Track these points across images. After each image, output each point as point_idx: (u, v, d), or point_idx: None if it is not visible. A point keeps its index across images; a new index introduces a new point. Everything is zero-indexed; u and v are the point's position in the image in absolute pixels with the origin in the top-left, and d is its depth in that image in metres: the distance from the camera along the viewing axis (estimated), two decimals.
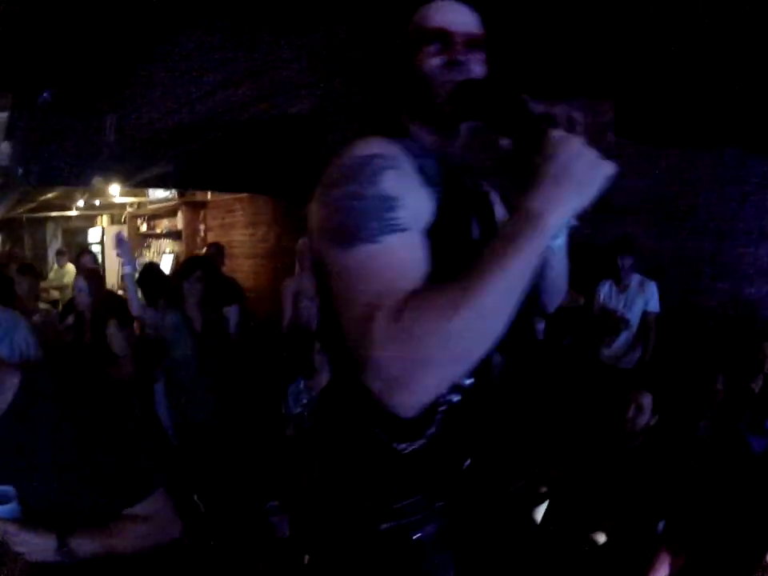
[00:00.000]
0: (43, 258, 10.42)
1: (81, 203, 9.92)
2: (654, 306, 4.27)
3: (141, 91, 11.27)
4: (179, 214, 9.70)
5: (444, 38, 1.13)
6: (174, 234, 10.07)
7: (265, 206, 8.06)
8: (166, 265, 9.30)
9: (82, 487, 1.40)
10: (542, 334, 4.02)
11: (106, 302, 3.85)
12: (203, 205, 9.58)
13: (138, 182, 6.96)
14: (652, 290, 4.29)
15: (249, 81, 8.01)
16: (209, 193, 9.13)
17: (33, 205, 9.13)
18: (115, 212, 11.08)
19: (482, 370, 1.13)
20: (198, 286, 3.64)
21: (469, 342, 0.87)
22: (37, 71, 9.00)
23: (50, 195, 8.39)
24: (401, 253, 0.95)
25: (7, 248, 9.64)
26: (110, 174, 5.76)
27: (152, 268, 5.38)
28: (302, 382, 3.68)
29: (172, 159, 5.98)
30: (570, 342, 4.04)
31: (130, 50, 9.65)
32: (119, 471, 1.44)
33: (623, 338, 4.26)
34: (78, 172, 5.46)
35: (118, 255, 3.73)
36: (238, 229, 8.76)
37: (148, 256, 10.61)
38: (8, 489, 1.34)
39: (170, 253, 9.94)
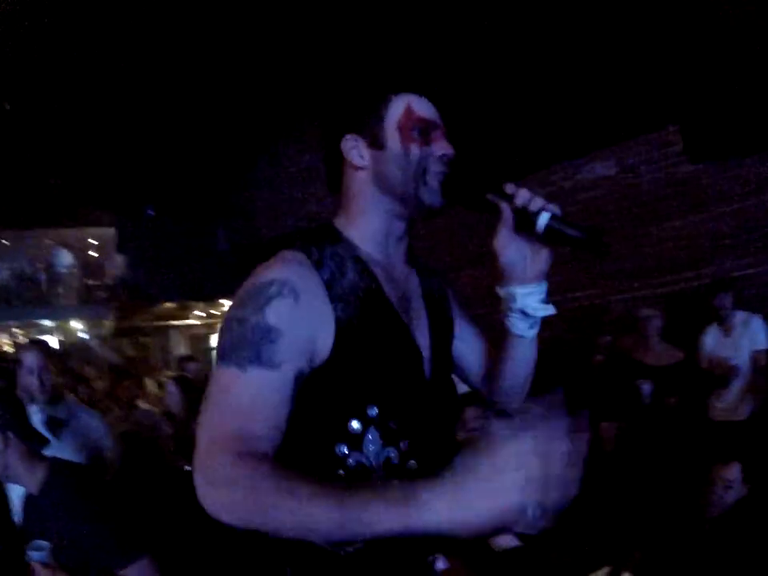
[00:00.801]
0: (168, 363, 11.16)
1: (198, 312, 10.69)
2: (762, 342, 3.91)
3: (247, 201, 12.25)
4: None
5: (434, 128, 1.19)
6: None
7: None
8: None
9: (87, 550, 1.92)
10: (648, 398, 3.87)
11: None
12: None
13: None
14: (758, 325, 3.96)
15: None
16: None
17: (156, 314, 9.94)
18: None
19: (422, 477, 1.09)
20: None
21: (276, 531, 0.90)
22: (139, 188, 9.91)
23: (170, 305, 9.14)
24: (262, 389, 0.98)
25: (134, 354, 10.45)
26: (222, 285, 6.14)
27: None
28: None
29: None
30: (676, 401, 3.83)
31: (236, 161, 10.53)
32: (113, 542, 1.95)
33: (735, 386, 3.90)
34: (194, 286, 5.83)
35: None
36: None
37: None
38: (44, 543, 1.87)
39: None
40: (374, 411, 1.09)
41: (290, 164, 10.36)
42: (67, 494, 2.04)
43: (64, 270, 10.24)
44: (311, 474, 0.95)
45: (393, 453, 1.10)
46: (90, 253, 12.24)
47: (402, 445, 1.11)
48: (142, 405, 5.72)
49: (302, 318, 1.03)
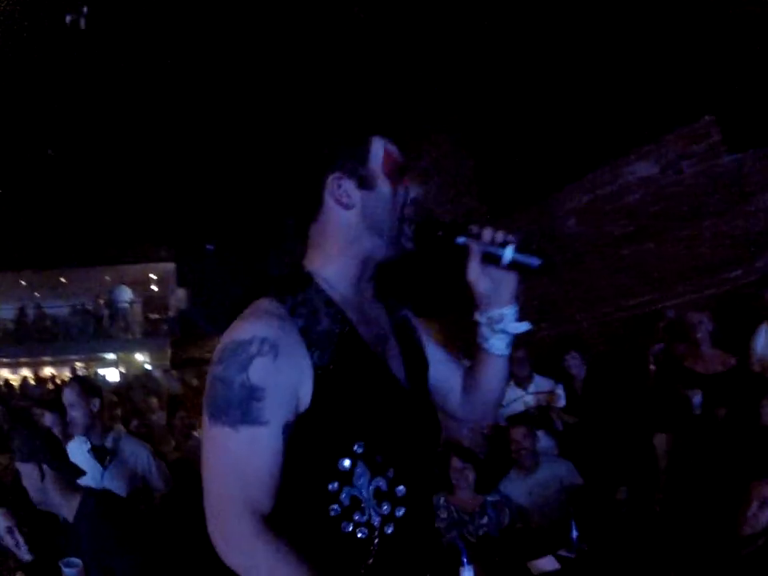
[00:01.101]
0: None
1: None
2: None
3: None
4: None
5: (405, 170, 1.26)
6: None
7: (431, 325, 8.35)
8: None
9: (115, 573, 2.09)
10: (699, 408, 3.66)
11: None
12: None
13: None
14: None
15: None
16: None
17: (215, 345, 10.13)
18: None
19: (412, 499, 1.20)
20: None
21: None
22: (197, 225, 10.22)
23: None
24: (255, 447, 1.06)
25: (198, 384, 10.69)
26: None
27: None
28: (442, 498, 3.73)
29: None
30: (725, 411, 3.60)
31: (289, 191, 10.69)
32: (140, 569, 2.10)
33: None
34: None
35: None
36: None
37: None
38: (77, 561, 2.04)
39: None
40: (360, 448, 1.14)
41: None
42: (98, 522, 2.17)
43: (125, 305, 10.66)
44: (306, 512, 1.12)
45: (381, 482, 1.16)
46: (153, 287, 12.75)
47: (389, 473, 1.16)
48: (196, 434, 5.83)
49: (283, 372, 1.08)
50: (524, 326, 1.27)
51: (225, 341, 1.12)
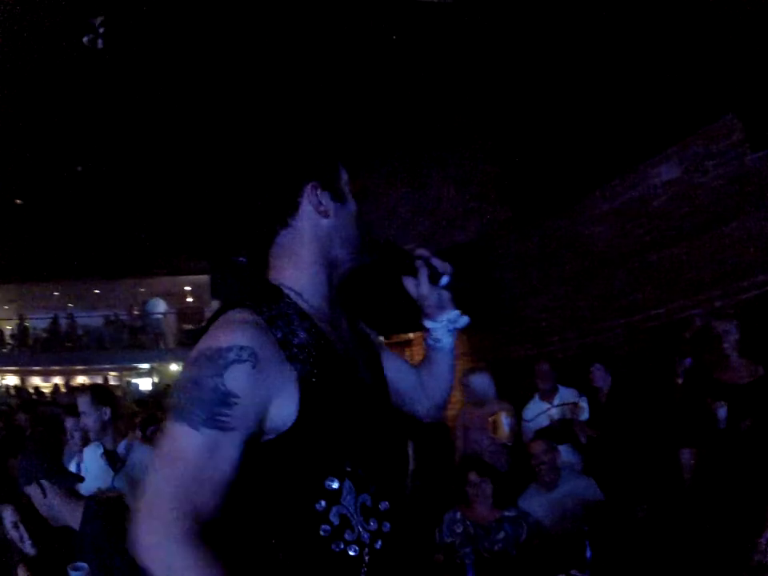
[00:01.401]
0: None
1: None
2: None
3: None
4: None
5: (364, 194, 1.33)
6: None
7: (461, 336, 8.25)
8: None
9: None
10: (724, 421, 3.46)
11: None
12: (409, 343, 9.99)
13: None
14: None
15: (422, 216, 8.59)
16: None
17: None
18: None
19: (395, 513, 1.20)
20: None
21: None
22: (229, 236, 10.35)
23: None
24: (215, 451, 1.03)
25: None
26: None
27: None
28: (458, 513, 3.63)
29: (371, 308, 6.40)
30: (750, 424, 3.39)
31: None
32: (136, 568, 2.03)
33: None
34: None
35: None
36: None
37: None
38: (83, 565, 2.13)
39: None
40: (349, 466, 1.14)
41: (376, 199, 10.51)
42: (100, 529, 2.22)
43: (158, 317, 10.82)
44: (295, 533, 1.11)
45: (366, 498, 1.15)
46: (188, 299, 12.98)
47: (371, 488, 1.16)
48: None
49: (259, 383, 1.06)
50: (465, 318, 1.46)
51: (200, 347, 1.10)
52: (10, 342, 20.00)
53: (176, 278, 12.37)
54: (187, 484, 1.01)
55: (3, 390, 16.05)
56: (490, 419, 4.38)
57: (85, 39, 4.17)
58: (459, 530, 3.58)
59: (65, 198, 9.60)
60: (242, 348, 1.06)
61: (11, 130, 7.07)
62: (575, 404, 4.43)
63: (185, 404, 1.04)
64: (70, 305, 20.62)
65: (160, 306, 11.18)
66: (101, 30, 4.03)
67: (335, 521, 1.12)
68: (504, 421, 4.32)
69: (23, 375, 19.10)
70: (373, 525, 1.15)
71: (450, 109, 7.19)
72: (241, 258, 10.54)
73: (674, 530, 3.11)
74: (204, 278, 11.41)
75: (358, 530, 1.14)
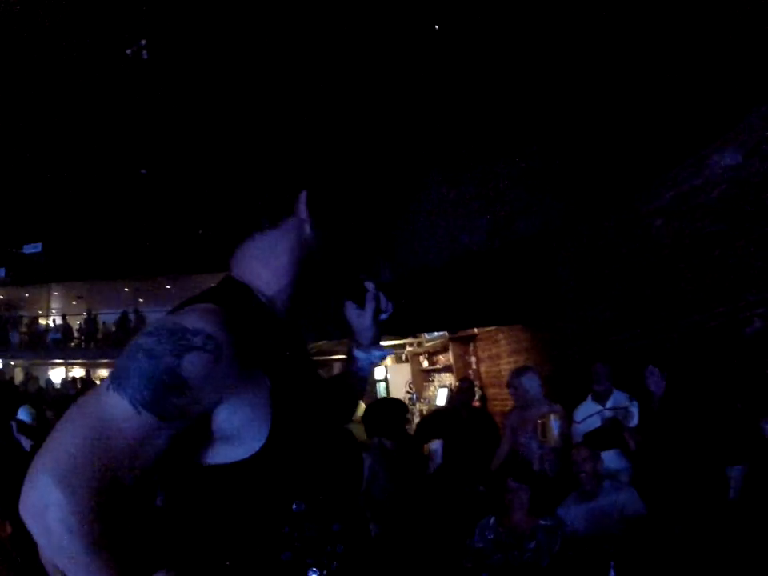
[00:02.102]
0: None
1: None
2: None
3: (399, 243, 12.42)
4: (450, 349, 10.13)
5: None
6: (449, 368, 10.49)
7: (523, 334, 8.05)
8: (442, 397, 9.69)
9: None
10: None
11: None
12: (473, 338, 9.88)
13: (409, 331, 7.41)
14: None
15: (485, 215, 8.41)
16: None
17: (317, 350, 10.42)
18: (398, 351, 12.03)
19: (347, 536, 1.13)
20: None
21: None
22: None
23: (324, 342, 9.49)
24: (146, 437, 0.93)
25: None
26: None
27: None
28: (492, 519, 3.53)
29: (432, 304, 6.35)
30: None
31: (391, 206, 10.81)
32: None
33: None
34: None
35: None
36: (503, 358, 8.80)
37: (432, 390, 11.18)
38: None
39: (443, 387, 10.32)
40: (313, 488, 1.09)
41: (441, 193, 10.40)
42: None
43: None
44: (257, 560, 1.04)
45: (323, 520, 1.10)
46: None
47: (326, 510, 1.11)
48: None
49: (216, 381, 0.97)
50: (388, 352, 1.57)
51: (164, 319, 1.02)
52: (77, 336, 21.36)
53: (215, 275, 12.68)
54: (106, 459, 0.90)
55: (70, 380, 17.13)
56: (539, 422, 4.20)
57: (128, 51, 4.34)
58: (491, 537, 3.47)
59: (136, 196, 10.11)
60: (208, 336, 0.96)
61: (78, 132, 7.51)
62: (626, 408, 4.19)
63: (131, 375, 0.94)
64: (140, 300, 21.61)
65: None
66: (143, 43, 4.20)
67: (298, 545, 1.06)
68: (553, 424, 4.13)
69: (90, 368, 19.86)
70: (329, 548, 1.10)
71: (510, 101, 6.99)
72: None
73: (711, 549, 2.86)
74: None
75: (318, 553, 1.09)
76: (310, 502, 1.07)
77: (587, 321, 6.00)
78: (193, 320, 0.98)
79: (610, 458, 4.08)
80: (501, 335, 8.74)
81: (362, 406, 7.35)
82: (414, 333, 9.63)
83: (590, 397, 4.51)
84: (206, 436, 1.01)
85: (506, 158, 7.33)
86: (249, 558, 1.06)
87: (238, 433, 1.01)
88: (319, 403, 1.19)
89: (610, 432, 4.17)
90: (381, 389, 11.75)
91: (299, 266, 1.20)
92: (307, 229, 1.20)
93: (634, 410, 4.05)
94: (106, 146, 7.93)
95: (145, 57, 4.37)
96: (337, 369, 12.89)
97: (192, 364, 0.94)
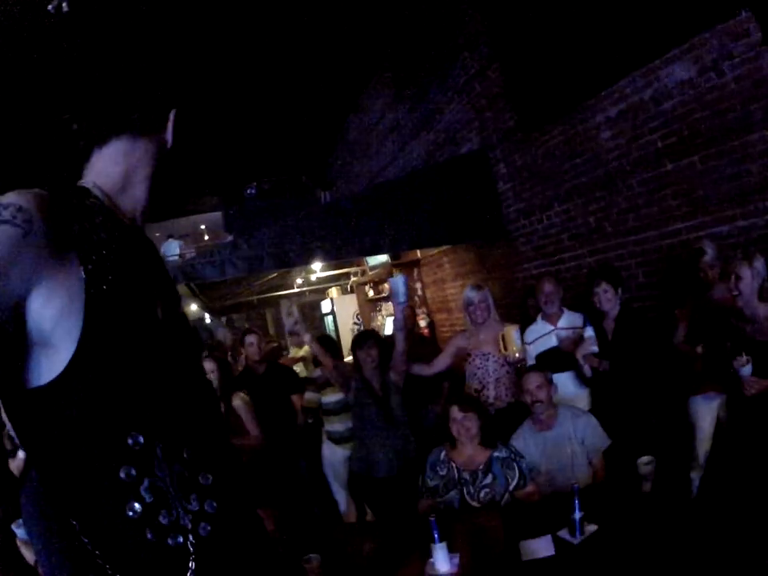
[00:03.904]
0: (282, 332, 11.48)
1: (299, 281, 10.76)
2: None
3: (339, 166, 12.05)
4: (393, 276, 9.92)
5: None
6: None
7: (468, 255, 7.88)
8: (390, 326, 9.57)
9: None
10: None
11: (240, 379, 4.63)
12: (416, 263, 9.69)
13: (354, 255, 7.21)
14: None
15: (424, 133, 8.08)
16: (418, 252, 9.21)
17: (262, 287, 10.13)
18: (342, 282, 11.81)
19: (221, 489, 1.00)
20: (372, 353, 3.99)
21: None
22: (239, 170, 10.20)
23: (274, 276, 9.21)
24: None
25: (248, 325, 10.84)
26: (327, 250, 5.99)
27: (327, 338, 5.79)
28: (443, 453, 3.37)
29: (375, 226, 6.05)
30: None
31: (329, 122, 10.47)
32: None
33: None
34: (303, 254, 5.76)
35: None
36: (448, 282, 8.67)
37: (380, 320, 11.04)
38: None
39: (390, 315, 10.18)
40: (153, 414, 0.94)
41: (374, 118, 10.01)
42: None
43: (175, 258, 10.80)
44: (93, 511, 0.88)
45: (180, 467, 0.95)
46: (205, 238, 12.92)
47: (185, 454, 0.97)
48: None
49: (26, 258, 0.86)
50: None
51: None
52: None
53: (191, 217, 12.26)
54: None
55: None
56: (500, 334, 4.00)
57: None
58: (443, 473, 3.34)
59: None
60: (19, 209, 0.88)
61: None
62: (580, 330, 4.04)
63: None
64: None
65: (174, 248, 11.14)
66: None
67: (147, 497, 0.91)
68: (515, 335, 3.94)
69: None
70: (194, 503, 0.96)
71: (448, 17, 6.58)
72: (250, 191, 10.35)
73: (683, 486, 2.78)
74: (218, 215, 11.28)
75: (177, 510, 0.93)
76: (151, 437, 0.92)
77: (533, 239, 5.83)
78: (9, 195, 0.91)
79: (564, 383, 3.96)
80: (445, 258, 8.58)
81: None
82: (352, 258, 9.35)
83: (539, 317, 4.35)
84: (23, 340, 0.88)
85: (443, 74, 6.95)
86: (88, 509, 0.91)
87: (53, 331, 0.88)
88: (167, 324, 1.07)
89: (564, 353, 4.03)
90: (329, 322, 11.57)
91: (155, 177, 1.20)
92: (168, 144, 1.23)
93: (590, 332, 3.88)
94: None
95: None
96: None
97: None
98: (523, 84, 5.39)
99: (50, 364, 0.90)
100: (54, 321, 0.89)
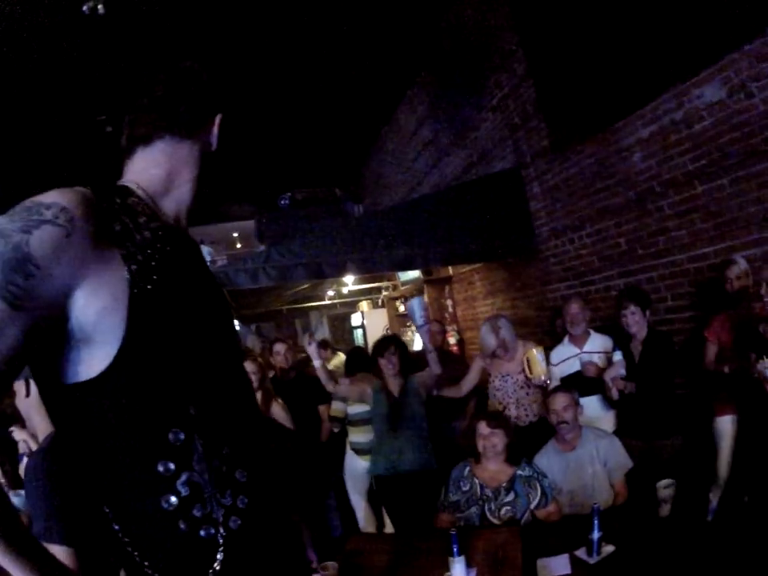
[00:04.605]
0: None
1: (331, 293, 10.84)
2: None
3: (372, 179, 12.12)
4: (425, 292, 9.94)
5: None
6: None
7: (498, 274, 7.88)
8: (420, 341, 9.57)
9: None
10: None
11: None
12: (448, 280, 9.71)
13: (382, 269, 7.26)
14: None
15: (458, 149, 8.13)
16: (450, 268, 9.23)
17: (292, 297, 10.24)
18: (374, 296, 11.87)
19: (254, 486, 1.04)
20: (393, 359, 4.01)
21: None
22: (273, 180, 10.33)
23: (306, 286, 9.31)
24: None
25: (277, 334, 10.92)
26: (360, 263, 6.05)
27: (358, 350, 5.96)
28: (467, 468, 3.40)
29: (407, 241, 6.11)
30: None
31: (363, 134, 10.58)
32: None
33: None
34: (336, 265, 5.84)
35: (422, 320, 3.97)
36: (479, 300, 8.67)
37: (409, 335, 11.06)
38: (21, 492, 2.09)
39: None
40: (194, 411, 0.96)
41: (408, 132, 10.11)
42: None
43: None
44: (131, 504, 0.92)
45: (219, 463, 0.99)
46: (237, 245, 13.09)
47: (224, 450, 1.00)
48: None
49: (70, 259, 0.88)
50: None
51: (25, 201, 0.94)
52: None
53: (223, 225, 12.44)
54: None
55: None
56: (524, 358, 4.03)
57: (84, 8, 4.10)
58: (466, 488, 3.35)
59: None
60: (62, 209, 0.89)
61: None
62: (608, 353, 4.02)
63: None
64: None
65: (204, 253, 11.36)
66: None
67: (183, 491, 0.94)
68: (538, 357, 3.96)
69: None
70: (227, 499, 0.99)
71: (482, 34, 6.65)
72: (283, 201, 10.49)
73: (701, 508, 2.76)
74: (250, 224, 11.42)
75: (211, 504, 0.97)
76: (194, 435, 0.95)
77: (564, 260, 5.82)
78: (51, 195, 0.92)
79: (589, 405, 3.95)
80: (476, 276, 8.58)
81: (341, 355, 7.31)
82: (384, 272, 9.44)
83: (566, 338, 4.35)
84: (65, 337, 0.90)
85: (479, 92, 7.01)
86: (123, 499, 0.95)
87: (95, 328, 0.90)
88: (211, 324, 1.10)
89: (590, 377, 4.02)
90: (358, 335, 11.63)
91: (198, 180, 1.21)
92: (212, 148, 1.24)
93: (619, 356, 3.86)
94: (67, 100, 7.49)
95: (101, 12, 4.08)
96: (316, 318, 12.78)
97: (41, 239, 0.86)
98: (557, 103, 5.42)
99: (92, 360, 0.91)
100: (97, 319, 0.90)
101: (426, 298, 10.08)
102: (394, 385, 4.04)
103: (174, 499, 0.94)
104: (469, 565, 2.54)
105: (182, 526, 0.94)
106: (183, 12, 5.98)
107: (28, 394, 2.15)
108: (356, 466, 4.77)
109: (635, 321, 3.87)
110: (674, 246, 4.37)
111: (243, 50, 6.87)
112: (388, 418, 3.96)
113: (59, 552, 1.74)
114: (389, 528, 4.13)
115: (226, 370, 1.10)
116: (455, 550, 2.50)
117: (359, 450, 4.77)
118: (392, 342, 4.18)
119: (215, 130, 1.25)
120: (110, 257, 0.93)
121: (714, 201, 3.99)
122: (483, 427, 3.36)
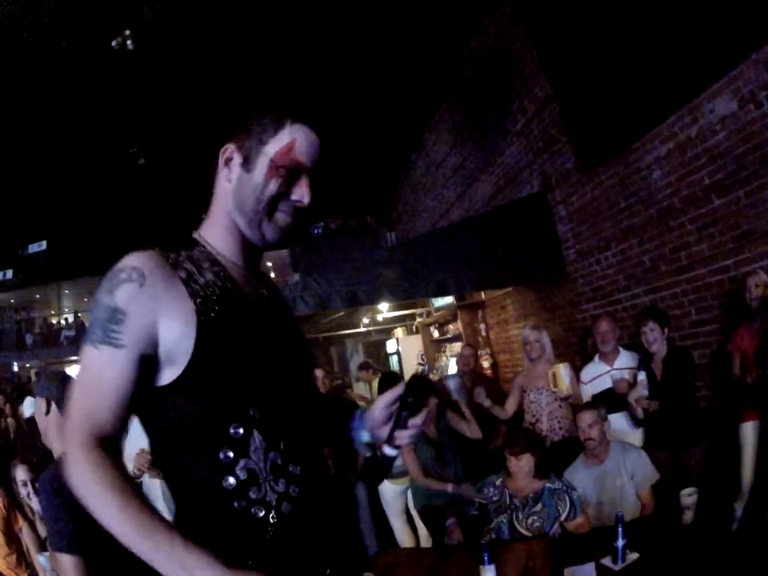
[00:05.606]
0: (347, 370, 11.65)
1: (366, 320, 10.98)
2: None
3: (403, 206, 12.27)
4: (459, 317, 10.03)
5: (303, 173, 1.28)
6: (459, 337, 10.39)
7: (530, 297, 7.95)
8: (454, 366, 9.62)
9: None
10: None
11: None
12: (481, 305, 9.79)
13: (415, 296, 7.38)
14: None
15: (485, 175, 8.28)
16: (482, 293, 9.32)
17: (328, 325, 10.43)
18: (408, 323, 11.98)
19: (306, 478, 1.19)
20: (431, 412, 4.25)
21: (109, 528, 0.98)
22: (308, 210, 10.52)
23: (341, 314, 9.50)
24: (110, 367, 1.08)
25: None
26: (395, 290, 6.19)
27: (391, 374, 6.06)
28: (500, 479, 3.50)
29: (440, 268, 6.26)
30: None
31: (395, 164, 10.72)
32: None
33: None
34: (372, 293, 6.02)
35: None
36: (511, 323, 8.73)
37: (443, 360, 11.12)
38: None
39: (454, 356, 10.25)
40: (256, 413, 1.15)
41: (436, 159, 10.29)
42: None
43: None
44: (196, 484, 1.11)
45: (276, 456, 1.15)
46: (271, 275, 13.36)
47: (282, 446, 1.16)
48: None
49: (147, 301, 1.12)
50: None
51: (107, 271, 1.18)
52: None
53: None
54: (90, 399, 1.07)
55: None
56: (550, 372, 4.18)
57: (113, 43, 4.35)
58: (496, 497, 3.44)
59: (139, 188, 10.03)
60: (133, 268, 1.14)
61: None
62: (635, 371, 4.08)
63: (91, 325, 1.14)
64: None
65: None
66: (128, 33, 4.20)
67: (242, 475, 1.11)
68: (563, 372, 4.12)
69: None
70: (281, 486, 1.14)
71: (505, 59, 6.83)
72: (317, 230, 10.74)
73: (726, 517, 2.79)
74: (284, 253, 11.66)
75: (265, 488, 1.13)
76: (254, 430, 1.13)
77: (592, 280, 5.89)
78: (125, 260, 1.16)
79: (618, 421, 4.02)
80: (508, 300, 8.66)
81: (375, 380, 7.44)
82: (419, 299, 9.55)
83: (596, 356, 4.43)
84: (157, 359, 1.13)
85: (505, 117, 7.17)
86: (186, 479, 1.14)
87: (176, 348, 1.12)
88: (270, 337, 1.26)
89: (618, 395, 4.09)
90: (393, 361, 11.74)
91: (227, 218, 1.30)
92: (224, 183, 1.30)
93: (642, 377, 3.91)
94: (101, 134, 7.88)
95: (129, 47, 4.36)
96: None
97: (121, 294, 1.12)
98: (581, 125, 5.55)
99: (172, 369, 1.13)
100: (176, 340, 1.12)
101: (459, 323, 10.18)
102: (429, 429, 4.29)
103: (232, 480, 1.11)
104: (499, 574, 2.62)
105: (236, 504, 1.11)
106: (212, 46, 6.24)
107: (48, 412, 2.35)
108: (388, 490, 4.89)
109: (654, 337, 3.94)
110: (696, 260, 4.44)
111: (271, 85, 7.13)
112: (429, 462, 4.21)
113: (67, 561, 1.90)
114: (423, 542, 4.24)
115: (290, 379, 1.27)
116: (486, 558, 2.59)
117: (391, 476, 4.89)
118: (431, 392, 4.37)
119: (221, 164, 1.32)
120: (178, 294, 1.15)
121: (731, 213, 4.05)
122: (509, 455, 3.46)
